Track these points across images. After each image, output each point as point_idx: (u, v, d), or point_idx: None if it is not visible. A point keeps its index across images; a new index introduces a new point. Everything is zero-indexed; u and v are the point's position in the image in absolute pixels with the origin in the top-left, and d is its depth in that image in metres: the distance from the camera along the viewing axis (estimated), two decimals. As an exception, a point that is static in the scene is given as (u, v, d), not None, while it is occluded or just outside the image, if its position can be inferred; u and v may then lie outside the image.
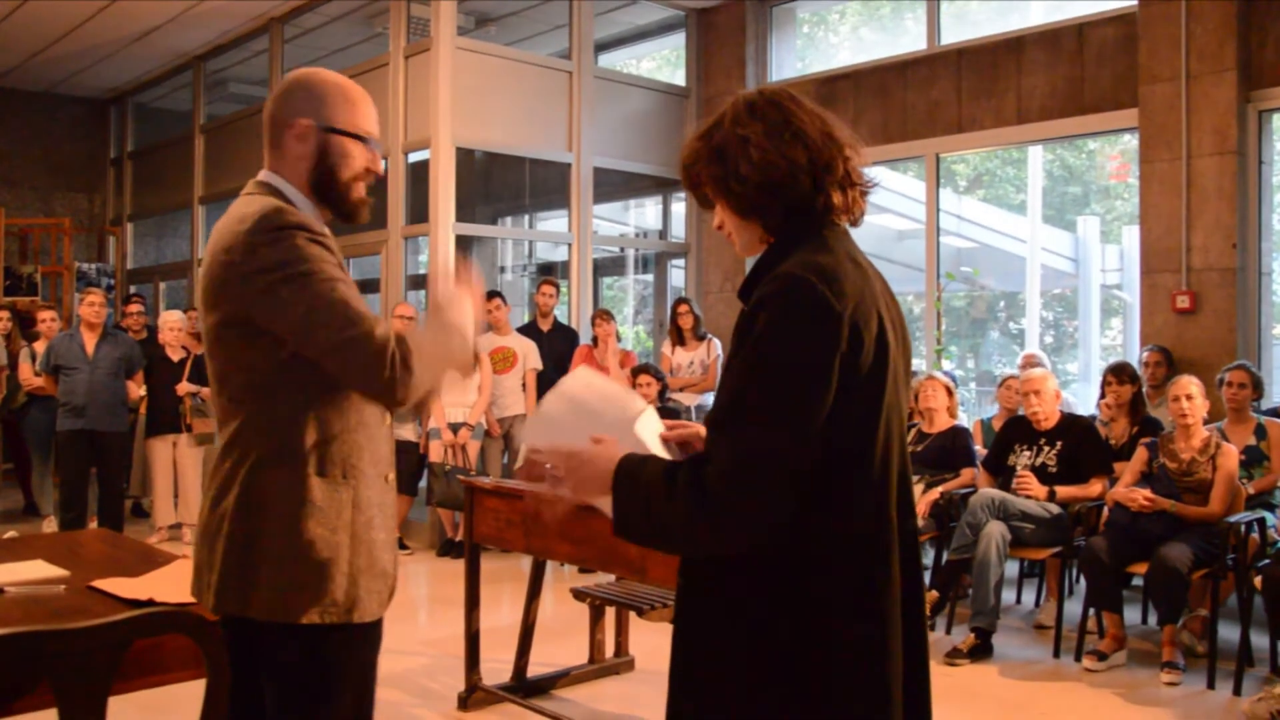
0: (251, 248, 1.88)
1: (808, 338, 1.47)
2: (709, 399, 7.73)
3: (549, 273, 10.24)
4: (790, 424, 1.44)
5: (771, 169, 1.58)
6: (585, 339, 7.85)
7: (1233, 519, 4.55)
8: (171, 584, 2.30)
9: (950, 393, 5.84)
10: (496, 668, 4.27)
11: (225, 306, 1.94)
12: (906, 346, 1.65)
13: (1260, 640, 4.63)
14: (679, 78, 9.23)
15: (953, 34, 7.76)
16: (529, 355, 7.36)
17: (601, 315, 7.43)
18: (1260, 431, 5.21)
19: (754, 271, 1.62)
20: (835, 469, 1.50)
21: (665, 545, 1.66)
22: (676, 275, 9.51)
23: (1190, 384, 4.85)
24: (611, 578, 4.55)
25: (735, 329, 1.56)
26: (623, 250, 10.84)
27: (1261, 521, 4.70)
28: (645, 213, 11.10)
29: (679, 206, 9.55)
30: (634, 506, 1.54)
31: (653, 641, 4.85)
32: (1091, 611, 4.82)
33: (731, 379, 1.51)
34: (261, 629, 1.92)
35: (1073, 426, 5.24)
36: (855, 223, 1.68)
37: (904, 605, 1.57)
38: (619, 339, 7.54)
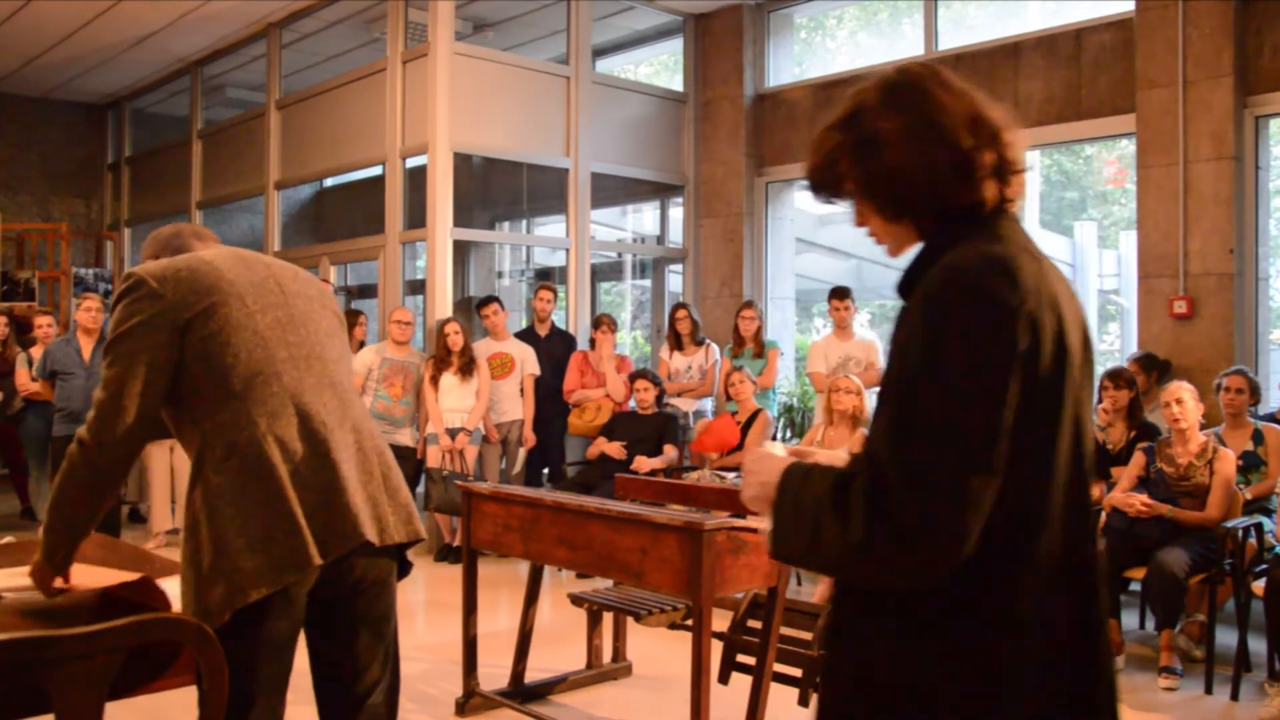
0: None
1: (980, 338, 1.29)
2: (707, 404, 7.73)
3: (547, 278, 10.24)
4: (968, 443, 1.27)
5: (911, 175, 1.42)
6: (583, 344, 7.85)
7: (1230, 524, 4.54)
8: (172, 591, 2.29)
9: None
10: (494, 673, 4.27)
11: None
12: (1090, 351, 1.44)
13: (1257, 645, 4.63)
14: (676, 83, 9.24)
15: (950, 39, 7.77)
16: (526, 361, 7.36)
17: (606, 322, 7.43)
18: (1257, 437, 5.22)
19: (916, 263, 1.46)
20: (1015, 483, 1.31)
21: (832, 573, 1.47)
22: (674, 280, 9.51)
23: (1181, 389, 4.85)
24: (609, 583, 4.55)
25: (896, 326, 1.41)
26: (620, 255, 10.84)
27: (1259, 526, 4.70)
28: (643, 218, 11.12)
29: (677, 211, 9.55)
30: (796, 529, 1.37)
31: (650, 646, 4.85)
32: (1089, 616, 4.81)
33: (897, 386, 1.33)
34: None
35: (1070, 431, 5.23)
36: (1016, 205, 1.50)
37: (1085, 641, 1.40)
38: (614, 346, 7.52)
